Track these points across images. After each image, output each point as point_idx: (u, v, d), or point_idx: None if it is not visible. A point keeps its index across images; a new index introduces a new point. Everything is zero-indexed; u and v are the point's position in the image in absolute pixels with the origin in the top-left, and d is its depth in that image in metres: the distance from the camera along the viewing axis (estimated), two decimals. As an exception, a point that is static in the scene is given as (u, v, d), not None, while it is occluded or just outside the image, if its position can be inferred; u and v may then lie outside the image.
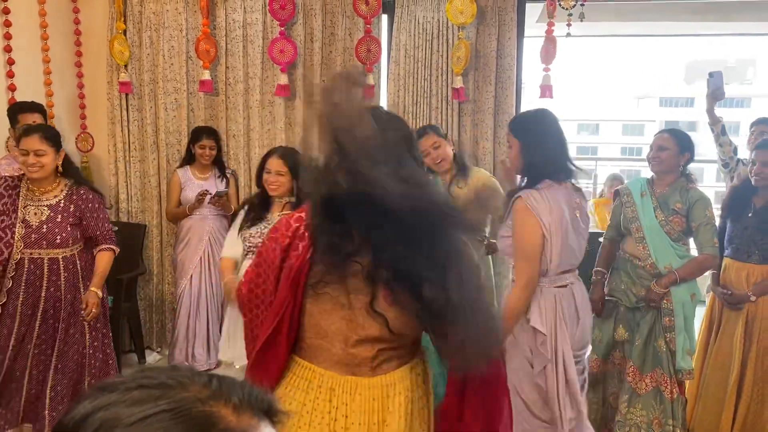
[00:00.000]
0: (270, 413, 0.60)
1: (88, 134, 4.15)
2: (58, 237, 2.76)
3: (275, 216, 2.76)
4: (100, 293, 2.82)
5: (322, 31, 3.84)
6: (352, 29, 3.80)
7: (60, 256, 2.79)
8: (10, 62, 3.56)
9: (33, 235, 2.73)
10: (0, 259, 2.71)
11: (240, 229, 2.84)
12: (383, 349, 1.40)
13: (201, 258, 3.76)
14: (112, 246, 2.87)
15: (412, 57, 3.74)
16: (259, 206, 2.84)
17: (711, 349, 3.25)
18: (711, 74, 3.39)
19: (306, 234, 1.41)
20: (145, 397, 0.54)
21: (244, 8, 3.88)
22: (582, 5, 3.26)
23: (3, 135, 3.36)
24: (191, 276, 3.76)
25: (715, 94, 3.35)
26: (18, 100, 3.55)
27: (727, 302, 3.17)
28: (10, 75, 3.57)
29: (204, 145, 3.71)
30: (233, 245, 2.86)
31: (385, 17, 3.87)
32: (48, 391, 2.79)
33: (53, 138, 2.71)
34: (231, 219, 3.44)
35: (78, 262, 2.84)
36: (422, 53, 3.73)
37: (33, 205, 2.74)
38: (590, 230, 5.16)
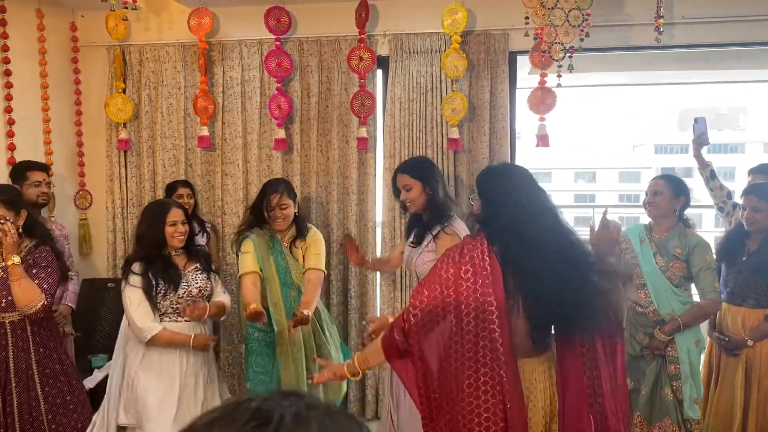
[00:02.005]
0: None
1: (86, 191, 4.17)
2: (4, 300, 2.65)
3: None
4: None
5: (318, 86, 3.90)
6: (348, 84, 3.87)
7: (17, 320, 2.68)
8: (11, 122, 3.61)
9: None
10: None
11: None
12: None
13: None
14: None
15: (407, 109, 3.80)
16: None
17: (712, 397, 3.19)
18: (696, 120, 3.45)
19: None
20: None
21: (242, 66, 3.96)
22: (570, 57, 3.32)
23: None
24: None
25: (701, 140, 3.40)
26: (17, 158, 3.58)
27: (724, 348, 3.13)
28: (10, 135, 3.62)
29: (181, 194, 3.67)
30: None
31: (380, 72, 3.94)
32: None
33: (13, 201, 2.66)
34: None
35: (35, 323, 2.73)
36: (416, 106, 3.78)
37: None
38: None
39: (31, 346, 2.73)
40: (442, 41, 3.75)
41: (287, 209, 3.12)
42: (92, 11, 4.02)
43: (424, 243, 2.77)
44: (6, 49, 3.58)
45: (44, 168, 3.40)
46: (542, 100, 3.68)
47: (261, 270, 3.08)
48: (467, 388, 1.85)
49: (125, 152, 4.10)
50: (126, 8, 3.45)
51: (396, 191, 2.93)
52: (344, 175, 3.91)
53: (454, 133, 3.71)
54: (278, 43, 3.85)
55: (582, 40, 3.29)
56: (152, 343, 2.70)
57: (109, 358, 3.42)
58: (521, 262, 1.89)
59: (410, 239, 2.91)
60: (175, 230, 2.77)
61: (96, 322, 3.90)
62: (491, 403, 1.82)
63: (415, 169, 2.86)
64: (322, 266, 3.17)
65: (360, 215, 3.93)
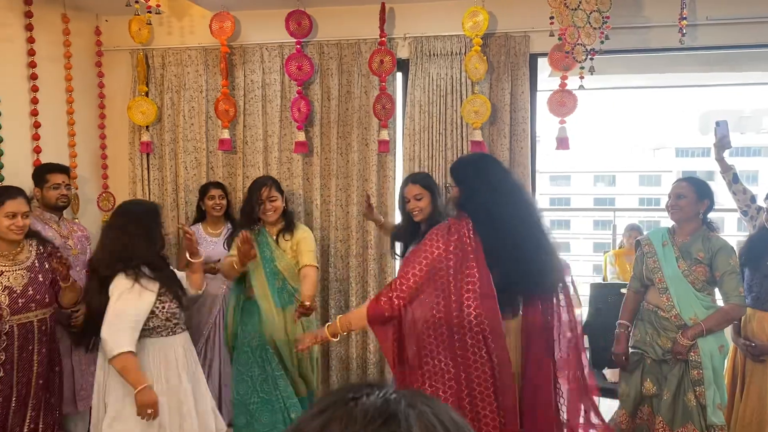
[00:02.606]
0: None
1: (109, 193, 4.23)
2: (47, 296, 2.79)
3: None
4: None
5: (338, 89, 3.92)
6: (368, 87, 3.88)
7: (47, 315, 2.82)
8: (36, 125, 3.67)
9: (19, 300, 2.70)
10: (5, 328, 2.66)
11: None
12: None
13: (216, 319, 3.72)
14: None
15: (427, 112, 3.80)
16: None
17: (737, 404, 3.14)
18: (717, 123, 3.41)
19: None
20: None
21: (263, 69, 3.99)
22: (591, 59, 3.30)
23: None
24: (206, 338, 3.72)
25: (722, 143, 3.35)
26: (43, 161, 3.64)
27: (750, 354, 3.08)
28: (36, 138, 3.68)
29: (213, 195, 3.74)
30: None
31: (399, 75, 3.95)
32: None
33: (28, 199, 2.81)
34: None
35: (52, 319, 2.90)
36: (436, 108, 3.78)
37: (9, 271, 2.71)
38: (611, 281, 5.11)
39: (50, 345, 2.84)
40: (462, 44, 3.75)
41: (276, 201, 3.27)
42: (116, 16, 4.08)
43: None
44: (32, 53, 3.64)
45: (65, 170, 3.43)
46: (563, 102, 3.66)
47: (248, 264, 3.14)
48: (459, 350, 2.18)
49: (147, 155, 4.15)
50: (150, 12, 3.49)
51: (402, 200, 3.11)
52: (364, 177, 3.92)
53: (478, 136, 3.70)
54: (299, 46, 3.88)
55: (602, 42, 3.27)
56: (114, 361, 2.48)
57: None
58: (496, 236, 2.22)
59: (409, 247, 3.06)
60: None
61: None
62: (479, 363, 2.18)
63: (426, 180, 3.13)
64: (316, 262, 3.29)
65: (379, 218, 3.93)
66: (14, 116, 3.53)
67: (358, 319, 2.33)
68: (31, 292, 2.73)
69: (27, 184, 3.57)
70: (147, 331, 2.62)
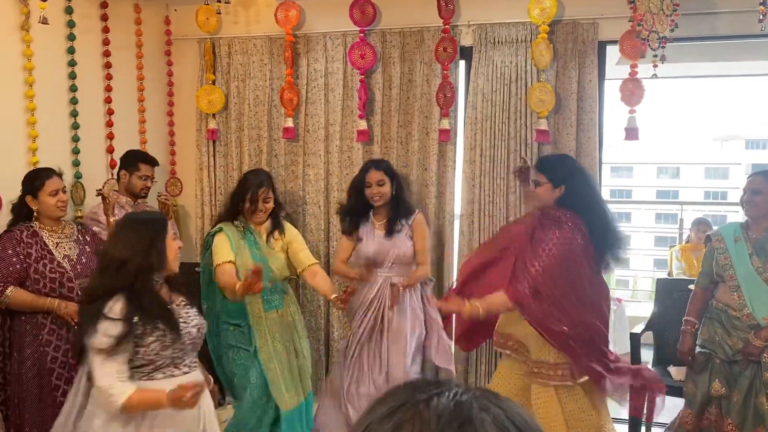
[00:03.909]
0: None
1: (177, 179, 4.36)
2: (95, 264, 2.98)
3: None
4: None
5: (400, 77, 3.92)
6: (430, 75, 3.86)
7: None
8: (110, 112, 3.82)
9: (78, 267, 2.90)
10: (73, 294, 2.84)
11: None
12: None
13: None
14: None
15: (490, 101, 3.75)
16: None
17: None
18: None
19: None
20: None
21: (326, 58, 4.02)
22: (663, 47, 3.19)
23: (101, 179, 3.55)
24: None
25: None
26: (115, 147, 3.78)
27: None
28: (110, 124, 3.82)
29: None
30: None
31: (462, 63, 3.91)
32: None
33: (61, 176, 2.97)
34: None
35: None
36: (500, 97, 3.73)
37: (64, 243, 2.91)
38: (678, 277, 4.95)
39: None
40: (527, 31, 3.67)
41: (269, 203, 3.19)
42: (184, 5, 4.18)
43: (404, 231, 3.24)
44: (107, 42, 3.77)
45: (155, 164, 3.59)
46: (633, 91, 3.55)
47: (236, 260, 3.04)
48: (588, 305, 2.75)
49: (214, 142, 4.25)
50: (219, 2, 3.57)
51: (362, 184, 3.25)
52: (424, 167, 3.91)
53: (543, 125, 3.63)
54: (362, 35, 3.89)
55: (672, 30, 3.16)
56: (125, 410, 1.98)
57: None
58: (601, 227, 2.77)
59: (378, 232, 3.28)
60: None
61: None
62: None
63: (388, 166, 3.32)
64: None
65: (439, 207, 3.92)
66: (90, 104, 3.67)
67: (497, 305, 2.73)
68: (84, 260, 2.94)
69: (101, 169, 3.74)
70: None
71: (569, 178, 2.77)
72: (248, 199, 3.13)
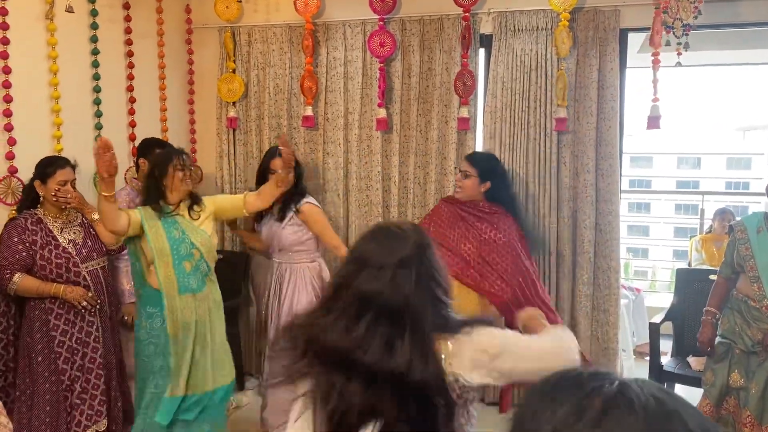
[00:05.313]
0: None
1: (197, 167, 4.40)
2: (103, 246, 3.07)
3: None
4: None
5: (419, 66, 3.91)
6: (449, 63, 3.85)
7: (105, 264, 3.09)
8: (132, 100, 3.86)
9: (83, 251, 2.95)
10: (80, 278, 2.91)
11: None
12: None
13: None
14: None
15: (510, 89, 3.74)
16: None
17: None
18: None
19: None
20: None
21: (345, 46, 4.02)
22: (686, 35, 3.15)
23: (122, 167, 3.61)
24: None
25: None
26: (137, 135, 3.83)
27: None
28: (132, 112, 3.86)
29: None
30: None
31: (482, 51, 3.89)
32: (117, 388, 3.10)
33: (74, 168, 3.01)
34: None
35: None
36: (520, 85, 3.71)
37: (68, 228, 2.97)
38: (698, 267, 4.91)
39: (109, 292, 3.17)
40: (548, 18, 3.65)
41: (186, 179, 2.97)
42: (205, -6, 4.21)
43: (288, 217, 3.38)
44: (129, 31, 3.81)
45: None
46: (655, 79, 3.51)
47: (149, 241, 2.81)
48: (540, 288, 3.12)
49: (234, 130, 4.29)
50: (239, -10, 3.58)
51: (266, 171, 3.38)
52: (443, 155, 3.91)
53: (562, 113, 3.61)
54: (381, 23, 3.88)
55: (696, 17, 3.12)
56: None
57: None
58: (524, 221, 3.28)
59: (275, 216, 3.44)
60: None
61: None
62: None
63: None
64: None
65: (458, 196, 3.92)
66: (113, 92, 3.72)
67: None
68: (90, 243, 3.01)
69: (123, 157, 3.78)
70: None
71: (495, 177, 3.13)
72: (167, 175, 2.91)
